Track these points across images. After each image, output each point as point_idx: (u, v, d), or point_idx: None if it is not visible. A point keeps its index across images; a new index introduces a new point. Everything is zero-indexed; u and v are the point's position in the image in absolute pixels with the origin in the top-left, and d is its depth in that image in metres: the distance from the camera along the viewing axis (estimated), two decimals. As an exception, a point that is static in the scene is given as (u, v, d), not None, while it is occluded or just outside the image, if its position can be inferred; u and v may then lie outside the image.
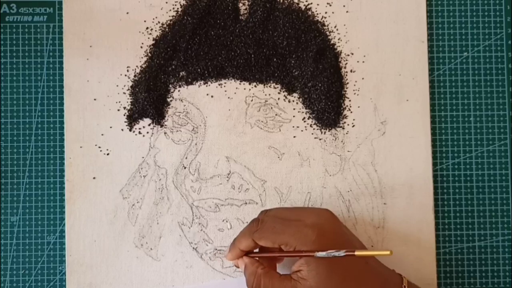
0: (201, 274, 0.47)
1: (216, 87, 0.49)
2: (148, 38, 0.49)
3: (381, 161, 0.49)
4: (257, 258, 0.43)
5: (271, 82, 0.49)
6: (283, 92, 0.49)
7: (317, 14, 0.50)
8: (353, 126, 0.49)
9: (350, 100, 0.49)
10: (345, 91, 0.49)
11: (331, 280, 0.39)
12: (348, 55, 0.49)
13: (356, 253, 0.36)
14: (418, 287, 0.42)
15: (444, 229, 0.49)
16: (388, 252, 0.35)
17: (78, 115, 0.48)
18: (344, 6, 0.50)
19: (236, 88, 0.49)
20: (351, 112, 0.49)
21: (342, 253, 0.37)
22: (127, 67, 0.49)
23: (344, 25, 0.49)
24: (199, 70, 0.48)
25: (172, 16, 0.49)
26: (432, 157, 0.49)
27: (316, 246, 0.39)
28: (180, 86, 0.49)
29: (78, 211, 0.48)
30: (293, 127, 0.49)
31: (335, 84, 0.48)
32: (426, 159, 0.49)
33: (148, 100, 0.48)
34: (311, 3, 0.50)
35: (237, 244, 0.43)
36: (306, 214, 0.42)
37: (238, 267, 0.45)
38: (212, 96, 0.49)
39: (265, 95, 0.49)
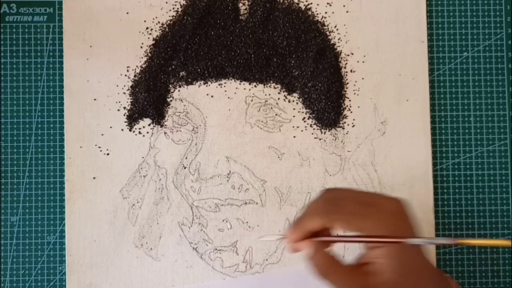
0: (201, 274, 0.47)
1: (216, 87, 0.49)
2: (148, 38, 0.49)
3: (381, 161, 0.49)
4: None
5: (271, 82, 0.49)
6: (283, 92, 0.49)
7: (317, 14, 0.50)
8: (353, 126, 0.49)
9: (350, 100, 0.49)
10: (345, 91, 0.49)
11: (410, 277, 0.36)
12: (348, 55, 0.49)
13: (471, 241, 0.34)
14: None
15: (444, 229, 0.49)
16: (509, 243, 0.32)
17: (78, 115, 0.48)
18: (344, 6, 0.50)
19: (236, 88, 0.49)
20: (351, 112, 0.49)
21: (451, 241, 0.34)
22: (127, 67, 0.49)
23: (344, 25, 0.49)
24: (199, 70, 0.48)
25: (172, 16, 0.49)
26: (432, 157, 0.49)
27: (395, 234, 0.36)
28: (180, 86, 0.49)
29: (78, 211, 0.48)
30: (293, 127, 0.49)
31: (335, 84, 0.48)
32: (426, 159, 0.49)
33: (148, 100, 0.48)
34: (311, 3, 0.50)
35: (305, 225, 0.39)
36: (382, 200, 0.39)
37: (295, 251, 0.40)
38: (212, 96, 0.49)
39: (265, 95, 0.49)
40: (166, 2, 0.49)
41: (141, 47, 0.49)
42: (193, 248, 0.48)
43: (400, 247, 0.37)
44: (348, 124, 0.49)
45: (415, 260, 0.37)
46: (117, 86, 0.49)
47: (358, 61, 0.49)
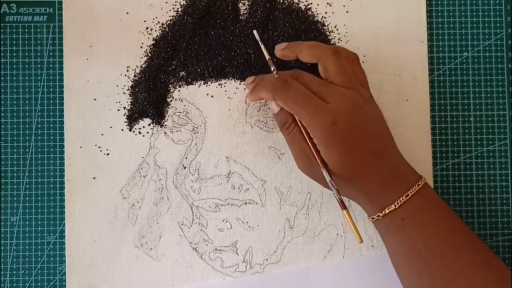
0: (201, 274, 0.47)
1: (216, 87, 0.49)
2: (148, 38, 0.49)
3: (381, 161, 0.48)
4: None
5: (271, 82, 0.49)
6: (283, 92, 0.49)
7: (317, 14, 0.50)
8: (353, 126, 0.49)
9: (350, 100, 0.49)
10: (345, 91, 0.49)
11: (339, 166, 0.41)
12: (348, 55, 0.49)
13: (345, 212, 0.41)
14: (433, 198, 0.43)
15: (444, 229, 0.49)
16: (360, 240, 0.41)
17: (78, 115, 0.48)
18: (344, 6, 0.50)
19: (236, 88, 0.49)
20: (351, 112, 0.49)
21: (337, 196, 0.41)
22: (127, 67, 0.49)
23: (344, 25, 0.49)
24: (199, 70, 0.48)
25: (172, 16, 0.49)
26: (432, 157, 0.49)
27: (327, 132, 0.40)
28: (180, 86, 0.49)
29: (78, 211, 0.48)
30: (293, 127, 0.49)
31: (335, 84, 0.48)
32: (426, 159, 0.49)
33: (148, 100, 0.48)
34: (311, 3, 0.50)
35: (259, 91, 0.44)
36: (333, 96, 0.41)
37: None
38: (212, 96, 0.49)
39: (265, 95, 0.49)
40: (166, 2, 0.49)
41: (141, 47, 0.49)
42: (193, 248, 0.48)
43: (333, 138, 0.41)
44: (348, 124, 0.49)
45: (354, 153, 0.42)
46: (117, 86, 0.49)
47: (358, 61, 0.49)
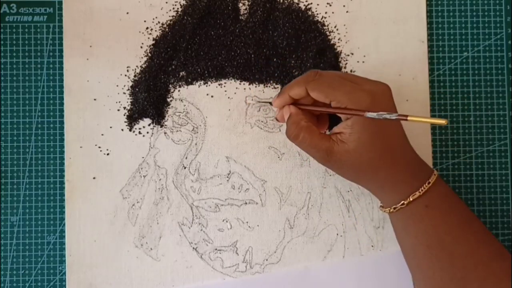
0: (201, 274, 0.47)
1: (216, 87, 0.49)
2: (148, 38, 0.49)
3: (381, 161, 0.48)
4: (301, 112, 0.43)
5: (271, 82, 0.49)
6: (283, 92, 0.49)
7: (317, 14, 0.50)
8: (353, 126, 0.49)
9: (350, 100, 0.49)
10: (345, 91, 0.49)
11: (369, 149, 0.40)
12: (348, 55, 0.49)
13: (409, 118, 0.36)
14: (449, 189, 0.42)
15: (444, 229, 0.49)
16: (444, 122, 0.34)
17: (78, 115, 0.48)
18: (344, 6, 0.50)
19: (236, 88, 0.49)
20: (351, 112, 0.49)
21: (394, 116, 0.36)
22: (127, 67, 0.49)
23: (344, 25, 0.49)
24: (199, 70, 0.48)
25: (172, 16, 0.49)
26: (432, 157, 0.49)
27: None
28: (180, 86, 0.49)
29: (78, 211, 0.48)
30: (293, 127, 0.49)
31: (335, 84, 0.48)
32: (426, 159, 0.49)
33: (148, 100, 0.48)
34: (311, 3, 0.50)
35: (287, 90, 0.42)
36: (364, 81, 0.41)
37: (278, 120, 0.46)
38: (212, 96, 0.49)
39: (265, 95, 0.49)
40: (166, 2, 0.49)
41: (141, 47, 0.49)
42: (193, 248, 0.48)
43: (367, 121, 0.39)
44: (348, 124, 0.49)
45: (383, 136, 0.40)
46: (117, 86, 0.49)
47: (358, 61, 0.49)
